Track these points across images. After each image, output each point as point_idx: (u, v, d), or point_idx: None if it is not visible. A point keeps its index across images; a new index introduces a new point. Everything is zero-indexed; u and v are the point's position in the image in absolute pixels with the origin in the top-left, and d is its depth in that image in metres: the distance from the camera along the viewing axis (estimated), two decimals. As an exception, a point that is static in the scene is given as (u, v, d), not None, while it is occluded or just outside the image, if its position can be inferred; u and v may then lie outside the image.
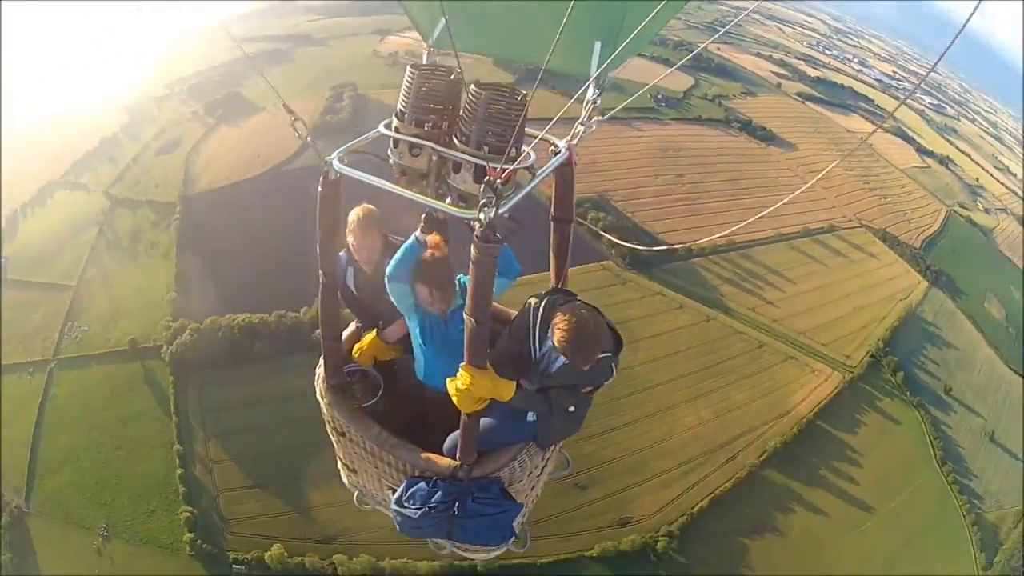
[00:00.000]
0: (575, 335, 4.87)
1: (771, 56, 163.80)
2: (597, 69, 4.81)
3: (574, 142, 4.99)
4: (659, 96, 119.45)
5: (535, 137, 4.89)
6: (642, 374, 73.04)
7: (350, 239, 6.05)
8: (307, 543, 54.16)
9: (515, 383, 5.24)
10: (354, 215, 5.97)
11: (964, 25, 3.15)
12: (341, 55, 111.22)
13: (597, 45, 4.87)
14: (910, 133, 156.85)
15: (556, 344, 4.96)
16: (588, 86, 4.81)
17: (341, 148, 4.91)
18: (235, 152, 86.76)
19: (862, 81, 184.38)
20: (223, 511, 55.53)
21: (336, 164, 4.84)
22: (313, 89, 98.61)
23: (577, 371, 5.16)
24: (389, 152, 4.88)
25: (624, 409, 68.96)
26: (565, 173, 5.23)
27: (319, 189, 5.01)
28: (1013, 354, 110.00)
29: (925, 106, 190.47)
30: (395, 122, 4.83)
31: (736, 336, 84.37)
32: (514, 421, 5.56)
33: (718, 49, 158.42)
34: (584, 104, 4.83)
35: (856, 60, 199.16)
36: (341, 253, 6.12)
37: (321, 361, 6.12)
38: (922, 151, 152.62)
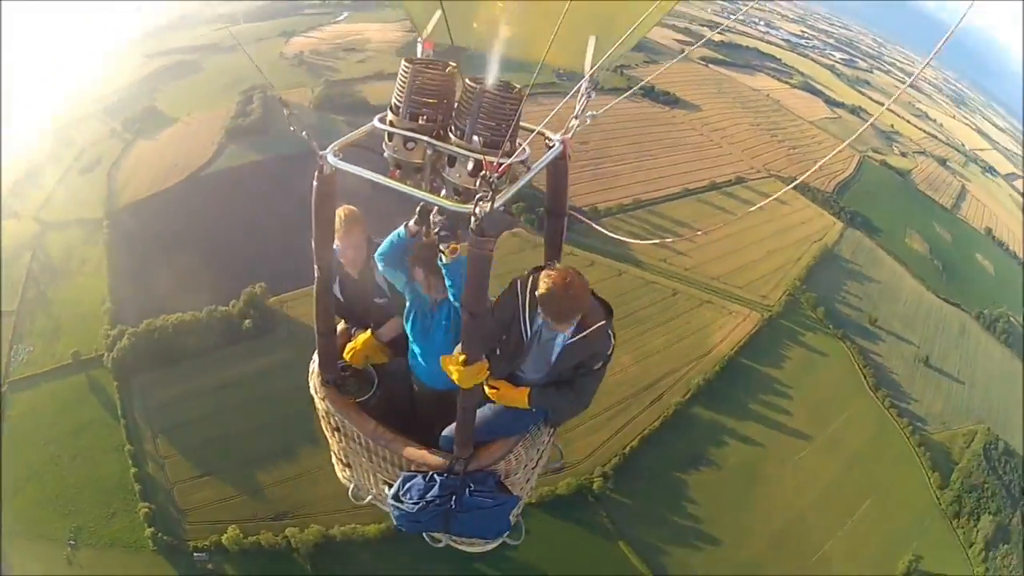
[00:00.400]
0: (559, 287, 5.00)
1: (674, 25, 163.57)
2: (591, 64, 4.92)
3: (568, 136, 5.03)
4: (560, 71, 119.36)
5: (529, 131, 4.82)
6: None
7: (334, 242, 6.11)
8: (260, 522, 55.41)
9: (527, 390, 5.50)
10: (338, 214, 6.04)
11: (956, 25, 3.27)
12: (248, 60, 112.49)
13: (592, 40, 4.93)
14: (818, 87, 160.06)
15: (539, 297, 5.08)
16: (583, 81, 4.91)
17: (336, 142, 4.91)
18: (153, 164, 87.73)
19: (768, 42, 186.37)
20: (178, 503, 56.55)
21: (331, 159, 4.84)
22: (224, 95, 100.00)
23: (579, 348, 5.36)
24: (384, 146, 4.90)
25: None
26: (559, 166, 5.25)
27: (314, 184, 5.04)
28: (940, 284, 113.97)
29: (835, 61, 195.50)
30: (389, 116, 4.83)
31: (649, 287, 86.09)
32: (512, 412, 5.63)
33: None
34: (578, 98, 4.91)
35: (763, 23, 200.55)
36: (335, 246, 6.15)
37: (315, 356, 6.21)
38: (832, 102, 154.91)
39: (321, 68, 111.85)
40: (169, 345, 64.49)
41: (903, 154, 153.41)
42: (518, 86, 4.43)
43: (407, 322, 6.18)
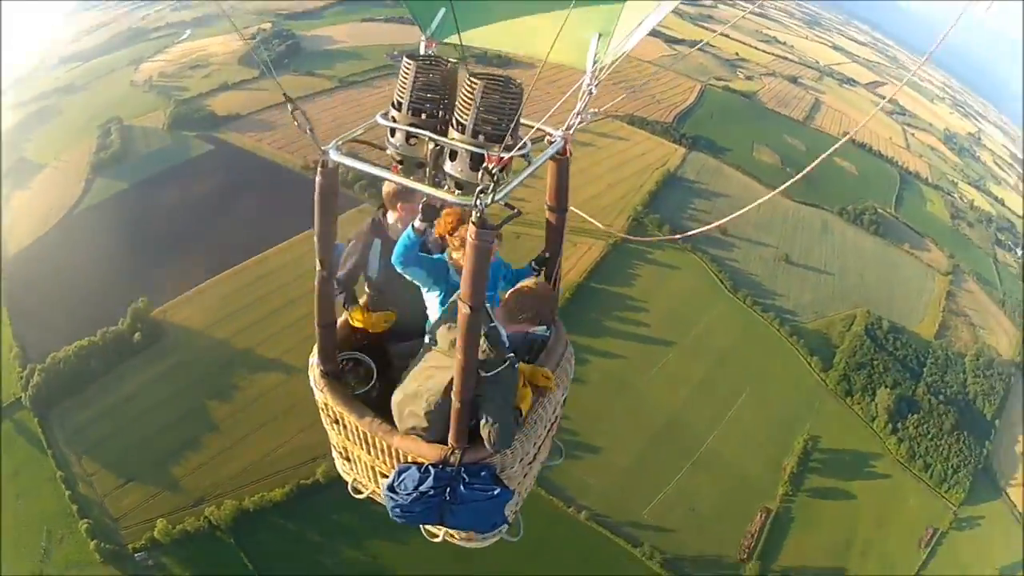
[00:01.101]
0: (520, 294, 5.45)
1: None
2: (594, 61, 4.74)
3: (570, 132, 5.02)
4: (395, 53, 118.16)
5: (531, 127, 4.84)
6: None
7: (398, 201, 6.71)
8: (183, 512, 58.01)
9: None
10: (393, 187, 6.59)
11: (950, 29, 3.56)
12: (102, 94, 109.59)
13: (594, 36, 4.72)
14: (656, 29, 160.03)
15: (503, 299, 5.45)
16: (585, 77, 4.76)
17: (338, 138, 4.93)
18: (31, 212, 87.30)
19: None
20: (111, 512, 58.38)
21: (333, 153, 4.85)
22: (84, 133, 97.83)
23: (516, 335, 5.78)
24: (386, 141, 4.92)
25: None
26: (560, 162, 5.36)
27: (317, 179, 5.03)
28: (795, 189, 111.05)
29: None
30: (392, 111, 4.85)
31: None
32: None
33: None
34: (580, 95, 4.79)
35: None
36: (338, 243, 6.16)
37: (315, 348, 6.23)
38: (671, 41, 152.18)
39: (170, 89, 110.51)
40: (75, 372, 66.30)
41: (748, 78, 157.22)
42: (519, 81, 4.50)
43: (440, 307, 6.33)
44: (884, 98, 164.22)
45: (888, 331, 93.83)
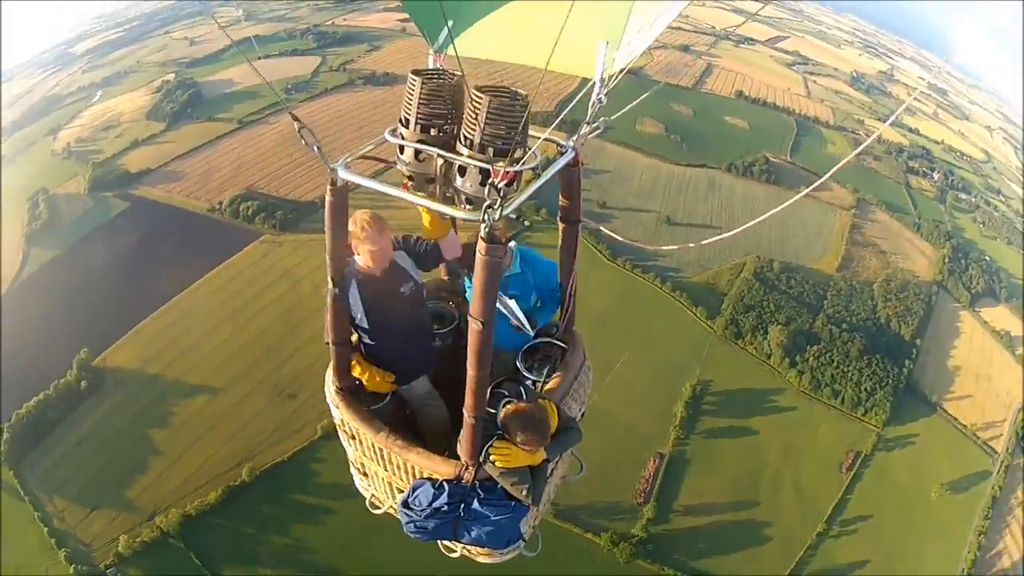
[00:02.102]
0: (518, 416, 5.43)
1: (399, 6, 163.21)
2: (602, 69, 4.86)
3: (580, 142, 5.16)
4: (288, 87, 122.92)
5: (540, 138, 4.94)
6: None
7: (365, 245, 6.01)
8: (140, 526, 63.45)
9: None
10: (363, 219, 5.98)
11: (956, 30, 4.85)
12: (26, 166, 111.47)
13: (602, 45, 4.85)
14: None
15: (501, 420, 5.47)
16: (593, 86, 4.88)
17: (347, 155, 4.97)
18: None
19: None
20: (82, 539, 64.18)
21: (342, 172, 4.89)
22: (16, 208, 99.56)
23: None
24: (396, 159, 5.05)
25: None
26: (571, 173, 5.45)
27: (327, 197, 5.07)
28: (680, 154, 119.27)
29: None
30: (400, 128, 4.95)
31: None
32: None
33: (344, 20, 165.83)
34: (590, 104, 4.88)
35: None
36: (350, 259, 6.15)
37: (330, 367, 6.33)
38: None
39: (87, 154, 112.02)
40: (37, 423, 71.02)
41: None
42: (524, 93, 4.64)
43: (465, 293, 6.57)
44: (789, 54, 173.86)
45: (780, 271, 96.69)
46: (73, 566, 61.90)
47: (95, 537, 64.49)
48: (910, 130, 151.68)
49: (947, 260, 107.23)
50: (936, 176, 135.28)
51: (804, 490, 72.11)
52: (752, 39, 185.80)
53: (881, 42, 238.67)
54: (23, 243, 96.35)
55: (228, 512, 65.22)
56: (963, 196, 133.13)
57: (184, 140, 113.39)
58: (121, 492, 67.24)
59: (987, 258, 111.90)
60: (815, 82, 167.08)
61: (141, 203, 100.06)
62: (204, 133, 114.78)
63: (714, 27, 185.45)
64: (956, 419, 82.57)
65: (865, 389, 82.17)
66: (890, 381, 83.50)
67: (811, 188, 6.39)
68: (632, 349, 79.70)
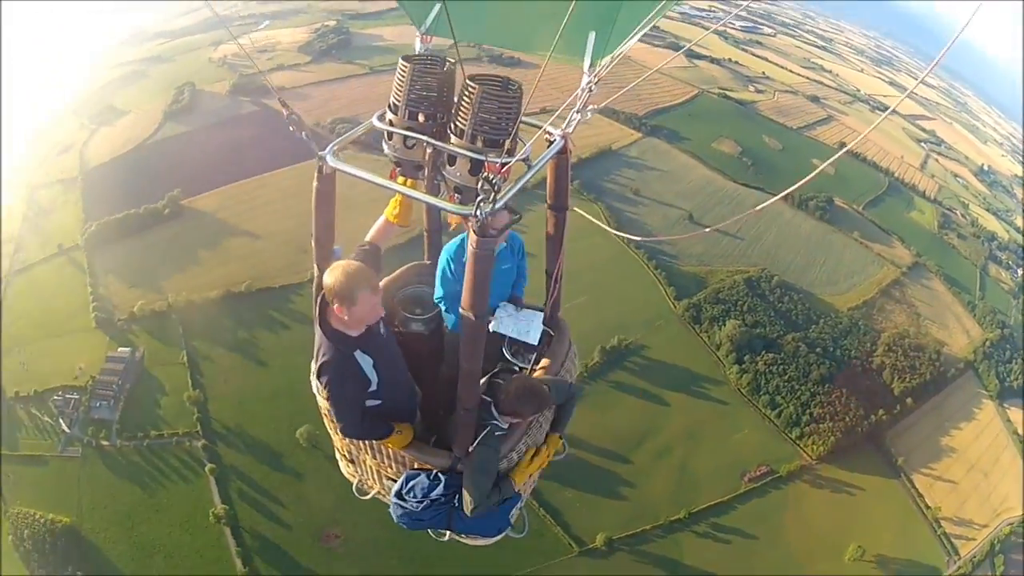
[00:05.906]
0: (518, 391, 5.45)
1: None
2: (591, 58, 4.82)
3: (569, 130, 5.04)
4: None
5: (529, 126, 4.88)
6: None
7: (362, 308, 5.14)
8: (155, 303, 78.84)
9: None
10: (355, 280, 5.03)
11: (960, 32, 3.46)
12: (183, 66, 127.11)
13: (591, 35, 4.82)
14: (682, 43, 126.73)
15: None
16: (584, 75, 4.81)
17: (334, 142, 4.89)
18: (112, 140, 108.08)
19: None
20: (113, 302, 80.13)
21: (330, 159, 4.84)
22: (163, 92, 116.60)
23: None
24: (384, 144, 4.95)
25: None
26: (560, 162, 5.29)
27: (314, 184, 5.00)
28: (743, 175, 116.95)
29: (735, 28, 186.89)
30: (388, 115, 4.86)
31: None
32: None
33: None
34: (579, 93, 4.82)
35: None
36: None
37: (315, 352, 5.68)
38: (691, 55, 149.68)
39: (238, 66, 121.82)
40: (120, 226, 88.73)
41: (760, 91, 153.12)
42: (517, 83, 4.54)
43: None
44: (925, 132, 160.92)
45: (776, 285, 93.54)
46: (95, 314, 78.80)
47: (122, 303, 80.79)
48: (1012, 225, 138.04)
49: (989, 344, 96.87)
50: (1020, 272, 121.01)
51: (688, 475, 70.60)
52: (895, 111, 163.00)
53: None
54: (161, 117, 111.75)
55: (223, 309, 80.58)
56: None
57: (321, 72, 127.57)
58: (157, 281, 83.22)
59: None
60: (936, 160, 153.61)
61: (268, 110, 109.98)
62: (340, 71, 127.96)
63: (859, 90, 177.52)
64: (921, 496, 75.01)
65: (811, 414, 77.57)
66: (848, 420, 77.79)
67: (783, 193, 5.85)
68: (589, 299, 79.38)
